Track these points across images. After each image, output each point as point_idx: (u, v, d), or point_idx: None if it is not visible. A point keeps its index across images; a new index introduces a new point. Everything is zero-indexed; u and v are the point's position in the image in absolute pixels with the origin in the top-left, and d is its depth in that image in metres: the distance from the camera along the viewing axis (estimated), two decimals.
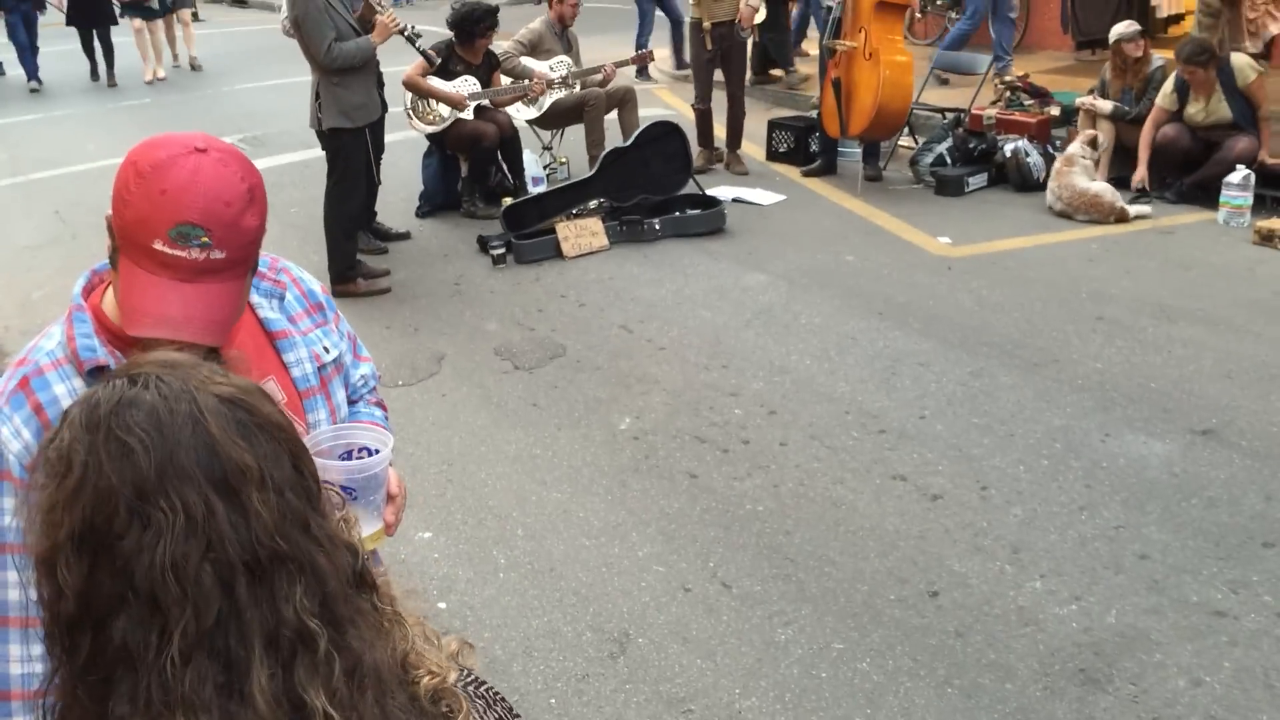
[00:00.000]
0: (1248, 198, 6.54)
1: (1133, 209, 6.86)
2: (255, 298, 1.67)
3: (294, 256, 1.83)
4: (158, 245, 1.39)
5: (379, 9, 6.13)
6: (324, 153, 6.30)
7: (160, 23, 13.78)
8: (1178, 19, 10.38)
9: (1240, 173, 6.53)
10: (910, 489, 4.06)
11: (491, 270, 6.64)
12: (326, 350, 1.73)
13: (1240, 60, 6.92)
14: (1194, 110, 7.01)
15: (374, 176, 6.71)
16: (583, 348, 5.50)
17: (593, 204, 7.19)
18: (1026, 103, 8.39)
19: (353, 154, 6.21)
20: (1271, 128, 6.91)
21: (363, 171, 6.36)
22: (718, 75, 8.28)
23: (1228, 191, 6.56)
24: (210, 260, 1.40)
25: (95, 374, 1.47)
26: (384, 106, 6.59)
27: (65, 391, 1.47)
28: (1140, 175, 7.17)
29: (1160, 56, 7.41)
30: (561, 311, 5.99)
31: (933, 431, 4.44)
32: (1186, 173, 7.04)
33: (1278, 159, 6.80)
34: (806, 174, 8.23)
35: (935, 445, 4.34)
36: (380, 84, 6.48)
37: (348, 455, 1.62)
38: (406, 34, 6.29)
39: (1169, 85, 7.12)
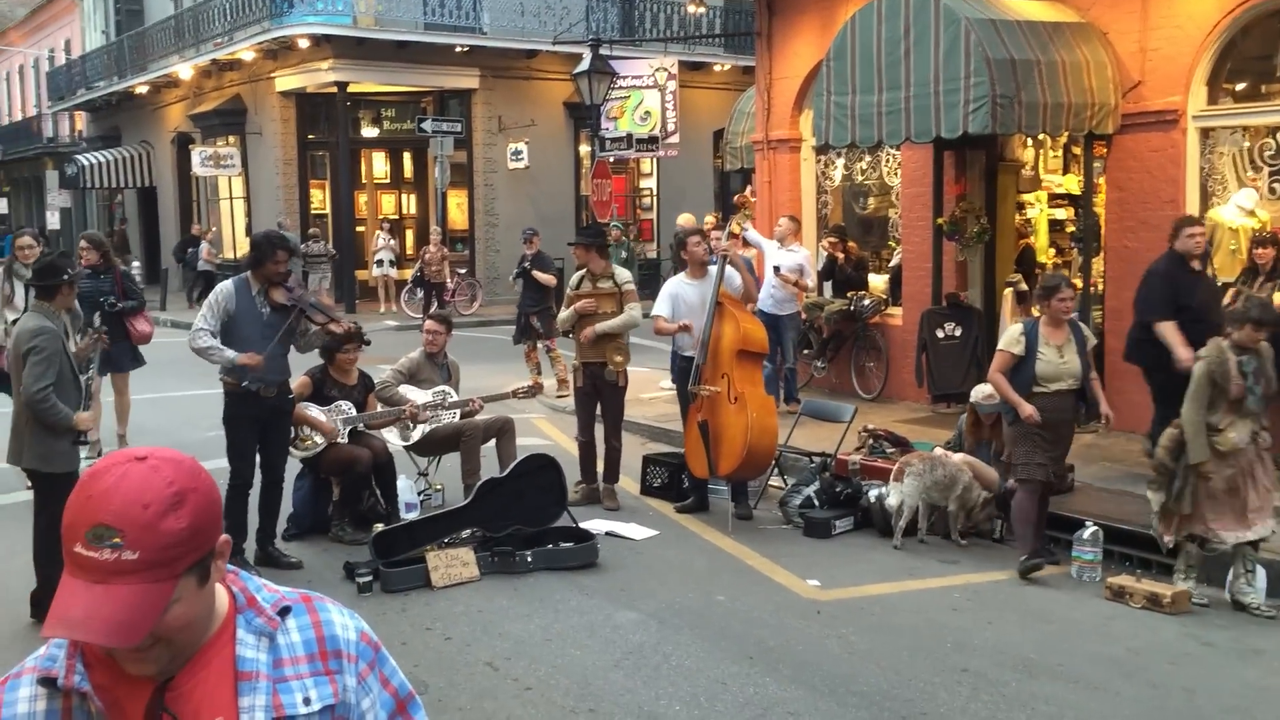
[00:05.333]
0: (1098, 553, 6.83)
1: None
2: (241, 633, 1.61)
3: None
4: (77, 548, 1.44)
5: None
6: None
7: None
8: None
9: (1089, 529, 6.85)
10: None
11: (356, 598, 6.44)
12: (307, 702, 1.62)
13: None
14: (1047, 354, 6.76)
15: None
16: (446, 685, 5.29)
17: (465, 533, 7.14)
18: (888, 450, 8.79)
19: (52, 499, 5.86)
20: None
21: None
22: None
23: (1078, 547, 6.85)
24: (121, 561, 1.43)
25: (45, 683, 1.55)
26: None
27: (27, 696, 1.54)
28: (1028, 411, 6.71)
29: None
30: (426, 645, 5.80)
31: None
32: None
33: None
34: (680, 510, 8.35)
35: None
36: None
37: None
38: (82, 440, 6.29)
39: (1017, 329, 6.98)
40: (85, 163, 29.65)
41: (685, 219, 14.81)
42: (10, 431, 6.09)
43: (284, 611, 1.66)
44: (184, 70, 25.98)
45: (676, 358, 8.53)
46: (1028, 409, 6.71)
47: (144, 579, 1.45)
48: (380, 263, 22.54)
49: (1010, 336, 6.97)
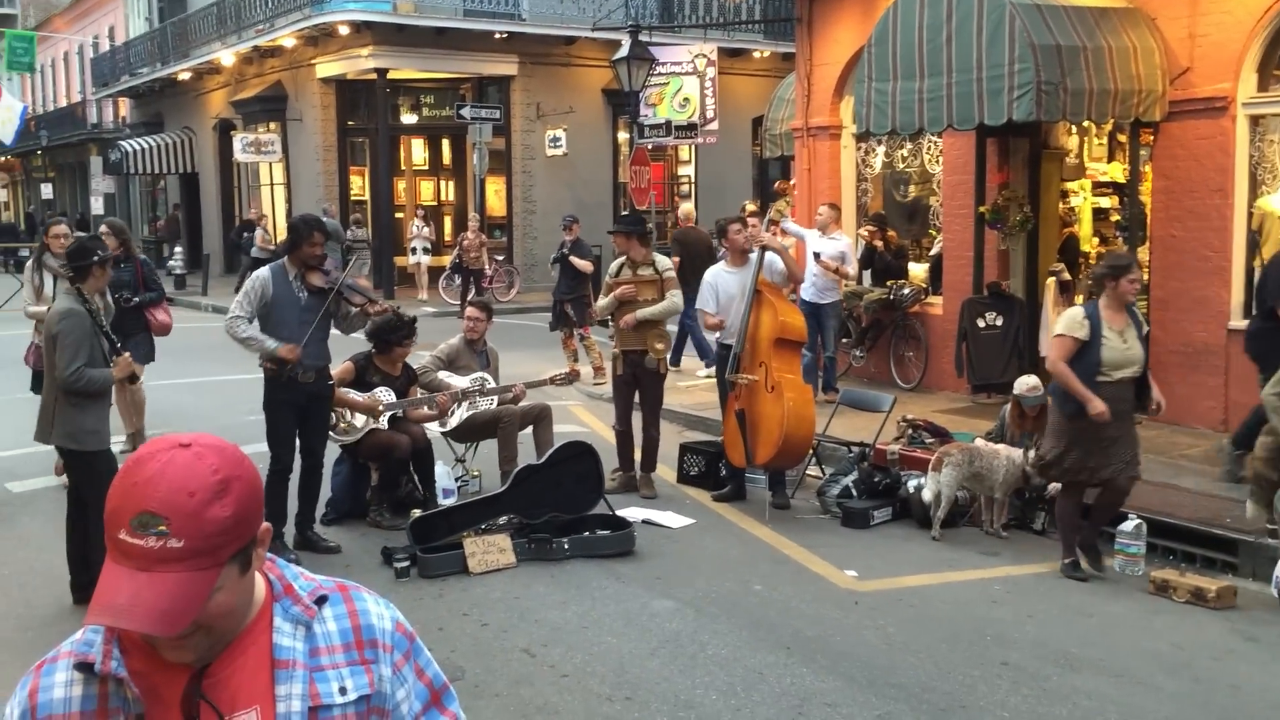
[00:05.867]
0: (1141, 546, 6.73)
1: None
2: (278, 621, 1.62)
3: None
4: (121, 535, 1.44)
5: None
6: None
7: None
8: None
9: (1133, 522, 6.76)
10: None
11: (393, 583, 6.47)
12: (343, 691, 1.61)
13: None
14: (1111, 339, 6.33)
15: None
16: (482, 672, 5.30)
17: (502, 520, 7.15)
18: (927, 440, 8.71)
19: (88, 478, 5.95)
20: None
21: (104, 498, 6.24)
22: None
23: (1121, 539, 6.75)
24: (166, 549, 1.43)
25: (82, 668, 1.55)
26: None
27: (63, 680, 1.55)
28: (1099, 409, 6.25)
29: None
30: (463, 631, 5.82)
31: None
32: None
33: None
34: (717, 499, 8.32)
35: None
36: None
37: None
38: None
39: (1078, 312, 6.53)
40: (128, 149, 29.94)
41: (686, 210, 15.15)
42: (39, 410, 6.17)
43: (320, 600, 1.66)
44: (226, 57, 26.17)
45: (700, 335, 8.46)
46: (1099, 406, 6.18)
47: (188, 567, 1.44)
48: (414, 250, 22.62)
49: (1072, 320, 6.44)
